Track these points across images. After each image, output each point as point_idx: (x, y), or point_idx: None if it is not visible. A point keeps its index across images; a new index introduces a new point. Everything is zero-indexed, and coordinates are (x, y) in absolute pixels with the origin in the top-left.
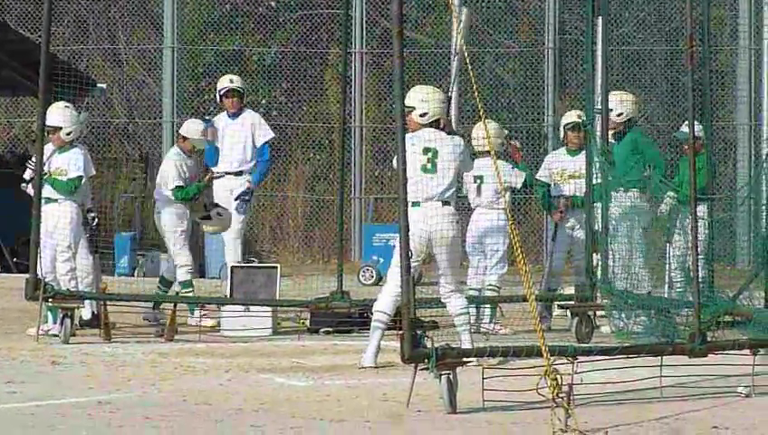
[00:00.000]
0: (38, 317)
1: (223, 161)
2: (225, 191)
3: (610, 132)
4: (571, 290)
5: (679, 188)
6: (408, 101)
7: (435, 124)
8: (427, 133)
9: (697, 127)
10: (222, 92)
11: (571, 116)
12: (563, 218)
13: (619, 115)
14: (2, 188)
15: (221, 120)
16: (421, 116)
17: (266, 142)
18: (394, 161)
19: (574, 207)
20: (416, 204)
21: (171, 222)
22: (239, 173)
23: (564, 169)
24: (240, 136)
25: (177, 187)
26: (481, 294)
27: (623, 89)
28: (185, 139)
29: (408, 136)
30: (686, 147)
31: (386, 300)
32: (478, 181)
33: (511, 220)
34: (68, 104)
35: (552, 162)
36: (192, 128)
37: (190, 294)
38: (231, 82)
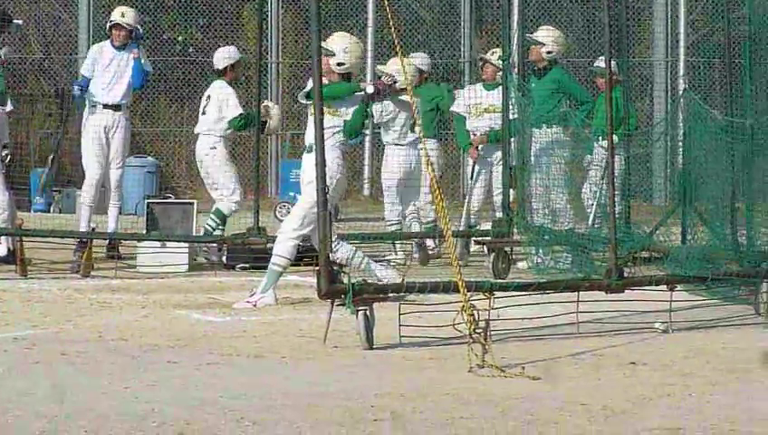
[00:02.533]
0: None
1: (104, 93)
2: (98, 125)
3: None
4: (488, 226)
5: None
6: (329, 45)
7: (347, 77)
8: None
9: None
10: (113, 23)
11: (486, 52)
12: (479, 157)
13: (549, 53)
14: None
15: (106, 50)
16: (338, 65)
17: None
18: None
19: (492, 142)
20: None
21: (225, 155)
22: (117, 108)
23: (479, 103)
24: (126, 71)
25: (241, 115)
26: (399, 230)
27: (539, 24)
28: (232, 68)
29: None
30: (601, 81)
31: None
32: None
33: (426, 157)
34: None
35: (468, 96)
36: (223, 55)
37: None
38: (122, 16)
